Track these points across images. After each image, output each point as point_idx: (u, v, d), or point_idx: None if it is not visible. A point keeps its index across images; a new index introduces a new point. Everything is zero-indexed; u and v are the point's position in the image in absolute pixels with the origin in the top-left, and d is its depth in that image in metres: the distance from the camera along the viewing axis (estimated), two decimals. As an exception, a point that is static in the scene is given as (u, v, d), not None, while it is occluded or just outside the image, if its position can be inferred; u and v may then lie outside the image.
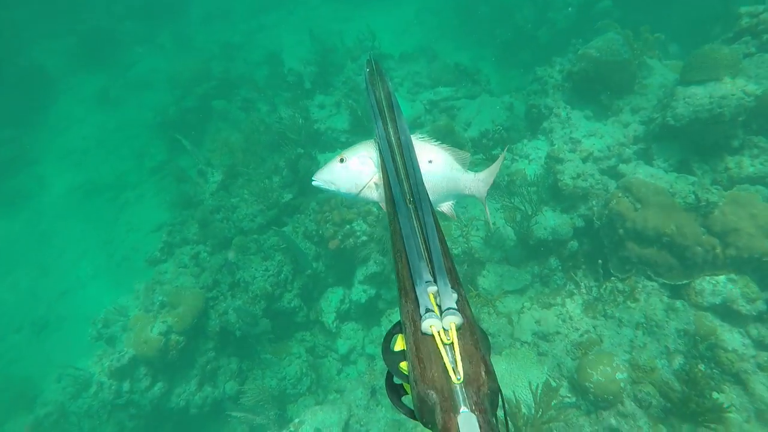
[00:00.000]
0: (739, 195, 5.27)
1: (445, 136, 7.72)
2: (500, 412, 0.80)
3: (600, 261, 5.93)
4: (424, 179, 1.35)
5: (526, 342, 5.15)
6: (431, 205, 1.19)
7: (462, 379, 0.70)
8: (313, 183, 2.18)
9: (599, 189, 6.28)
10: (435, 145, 2.19)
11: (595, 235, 6.19)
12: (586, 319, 5.19)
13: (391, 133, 1.48)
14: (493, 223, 6.85)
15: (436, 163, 2.17)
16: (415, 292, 0.91)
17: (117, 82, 15.47)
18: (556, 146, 6.76)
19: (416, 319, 0.86)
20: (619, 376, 4.23)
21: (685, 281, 5.25)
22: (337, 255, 7.62)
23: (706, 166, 6.41)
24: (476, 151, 8.02)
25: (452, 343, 0.78)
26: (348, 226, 7.40)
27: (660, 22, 9.17)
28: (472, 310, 0.94)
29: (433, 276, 0.94)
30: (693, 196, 5.21)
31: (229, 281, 7.49)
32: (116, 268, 10.74)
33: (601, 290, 5.39)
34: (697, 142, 6.41)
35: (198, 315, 7.12)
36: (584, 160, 6.65)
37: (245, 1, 17.76)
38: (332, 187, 2.14)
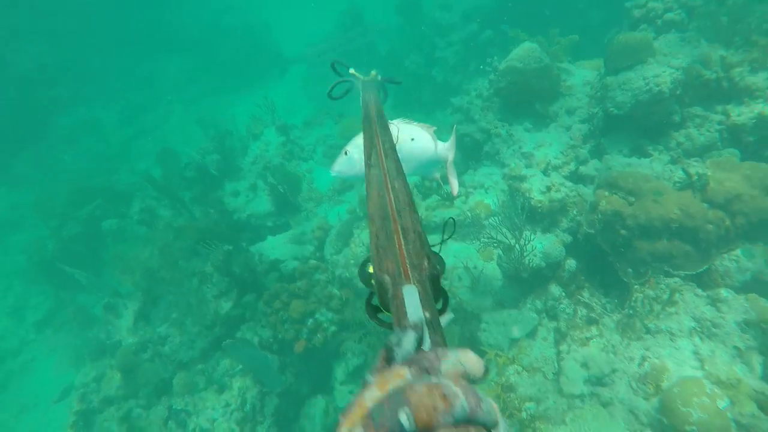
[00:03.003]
0: (720, 161, 4.98)
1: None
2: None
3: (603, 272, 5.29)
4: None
5: (582, 395, 4.17)
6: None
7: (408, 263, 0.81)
8: (333, 174, 2.86)
9: (575, 196, 5.74)
10: (414, 125, 2.84)
11: (586, 246, 5.59)
12: (633, 344, 4.38)
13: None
14: (474, 267, 6.00)
15: (417, 140, 2.82)
16: None
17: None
18: (512, 165, 6.22)
19: None
20: (721, 404, 3.38)
21: (705, 267, 4.71)
22: (306, 358, 6.25)
23: (660, 146, 6.20)
24: (424, 196, 7.27)
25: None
26: (311, 320, 6.13)
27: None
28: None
29: None
30: (682, 173, 4.78)
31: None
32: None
33: (632, 303, 4.65)
34: (642, 126, 6.21)
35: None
36: (546, 172, 6.14)
37: (114, 109, 16.34)
38: (349, 173, 2.73)
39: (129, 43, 18.76)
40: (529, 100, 6.78)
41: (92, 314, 8.63)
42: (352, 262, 6.41)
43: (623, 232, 4.89)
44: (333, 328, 6.02)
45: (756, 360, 3.88)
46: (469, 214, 6.42)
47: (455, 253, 6.22)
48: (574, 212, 5.70)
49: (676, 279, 4.75)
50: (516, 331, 5.42)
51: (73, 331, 8.85)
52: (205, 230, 6.98)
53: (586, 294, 5.49)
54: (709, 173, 4.78)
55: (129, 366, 6.82)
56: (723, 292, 4.35)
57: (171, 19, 20.25)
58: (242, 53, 16.59)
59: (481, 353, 5.08)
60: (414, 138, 2.78)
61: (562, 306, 5.47)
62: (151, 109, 16.30)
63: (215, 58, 16.75)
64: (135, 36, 19.03)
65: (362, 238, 6.54)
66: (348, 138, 9.25)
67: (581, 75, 7.35)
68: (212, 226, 7.14)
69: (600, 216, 5.05)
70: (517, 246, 5.43)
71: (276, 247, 7.50)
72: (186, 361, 6.64)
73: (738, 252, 4.72)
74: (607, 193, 5.02)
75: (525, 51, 6.52)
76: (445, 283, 5.93)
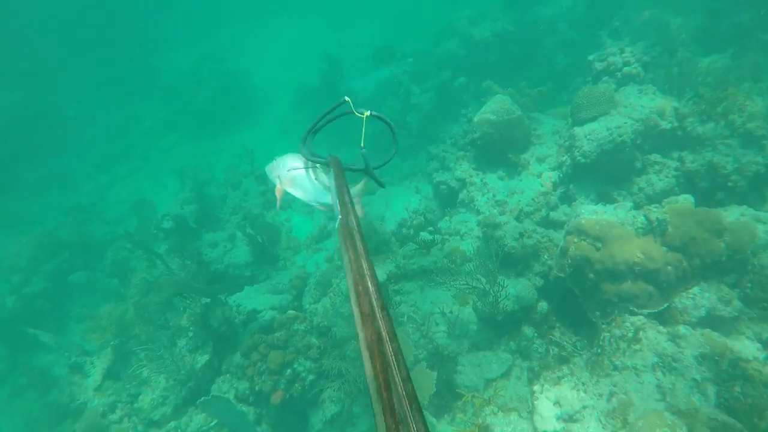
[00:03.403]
0: (677, 207, 5.68)
1: (370, 236, 7.47)
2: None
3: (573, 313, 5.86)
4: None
5: (555, 432, 4.63)
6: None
7: None
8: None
9: (546, 242, 6.38)
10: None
11: (557, 288, 6.18)
12: (602, 381, 4.90)
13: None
14: (450, 312, 6.51)
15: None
16: None
17: None
18: (487, 213, 6.88)
19: None
20: (679, 432, 3.89)
21: (666, 305, 5.33)
22: (283, 409, 6.56)
23: (624, 191, 6.99)
24: (401, 244, 7.85)
25: None
26: (289, 370, 6.49)
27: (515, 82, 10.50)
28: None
29: None
30: (643, 219, 5.47)
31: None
32: None
33: (600, 342, 5.21)
34: (607, 173, 7.00)
35: None
36: (519, 219, 6.81)
37: (86, 158, 16.81)
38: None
39: (105, 91, 19.56)
40: (502, 149, 7.55)
41: (54, 376, 8.70)
42: (330, 311, 6.86)
43: (591, 275, 5.50)
44: (311, 377, 6.38)
45: (711, 390, 4.43)
46: (446, 261, 6.98)
47: (432, 300, 6.75)
48: (546, 257, 6.32)
49: (640, 317, 5.33)
50: (489, 372, 5.90)
51: (31, 395, 8.84)
52: (182, 284, 7.36)
53: (557, 333, 6.05)
54: (668, 218, 5.47)
55: (96, 429, 6.97)
56: (682, 329, 4.94)
57: (148, 66, 21.26)
58: (220, 99, 17.44)
59: (458, 396, 5.52)
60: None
61: (535, 346, 6.01)
62: (126, 157, 16.80)
63: (193, 104, 17.54)
64: (111, 83, 19.87)
65: (341, 287, 7.02)
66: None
67: (550, 124, 8.21)
68: (190, 278, 7.52)
69: (570, 261, 5.67)
70: (491, 291, 6.00)
71: (254, 297, 7.89)
72: (158, 420, 6.85)
73: (695, 290, 5.36)
74: (576, 240, 5.67)
75: (498, 104, 7.35)
76: (422, 328, 6.44)
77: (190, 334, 7.17)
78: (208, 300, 7.16)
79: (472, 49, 12.52)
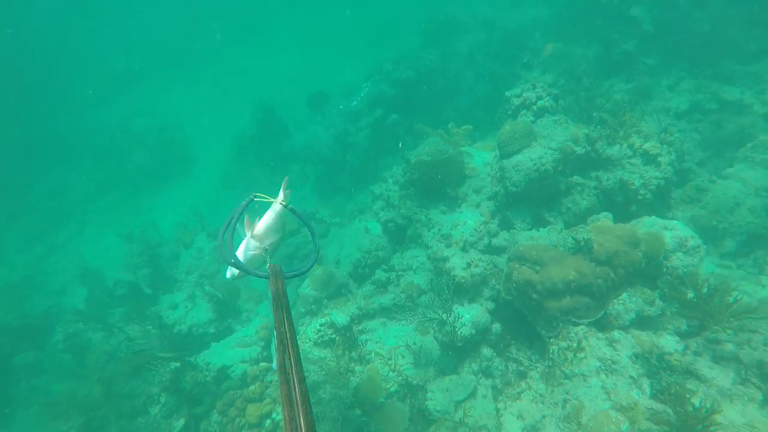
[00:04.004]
0: (599, 224, 6.53)
1: (328, 282, 7.88)
2: None
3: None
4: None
5: (522, 442, 5.21)
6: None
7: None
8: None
9: (492, 268, 7.07)
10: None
11: (507, 309, 6.87)
12: (556, 390, 5.55)
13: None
14: (414, 343, 7.02)
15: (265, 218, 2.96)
16: None
17: None
18: (435, 248, 7.49)
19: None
20: (623, 427, 4.57)
21: (602, 313, 6.10)
22: (267, 461, 6.78)
23: (554, 212, 7.83)
24: (359, 284, 8.31)
25: None
26: (268, 421, 6.75)
27: (441, 122, 11.40)
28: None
29: None
30: (572, 240, 6.26)
31: None
32: None
33: (550, 355, 5.88)
34: (537, 197, 7.84)
35: None
36: (464, 249, 7.47)
37: (18, 229, 16.03)
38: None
39: (32, 156, 18.82)
40: (440, 186, 8.25)
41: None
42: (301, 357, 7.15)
43: (535, 295, 6.20)
44: (292, 425, 6.64)
45: (646, 384, 5.19)
46: (403, 296, 7.51)
47: (395, 334, 7.25)
48: (493, 282, 7.01)
49: (582, 327, 6.08)
50: (458, 395, 6.45)
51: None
52: (147, 354, 7.41)
53: (513, 350, 6.72)
54: (593, 237, 6.29)
55: None
56: (616, 334, 5.71)
57: (77, 126, 20.65)
58: (156, 155, 17.29)
59: (431, 421, 6.01)
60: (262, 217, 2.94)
61: (495, 364, 6.64)
62: (61, 224, 16.21)
63: (128, 163, 17.27)
64: (39, 148, 19.15)
65: (308, 333, 7.36)
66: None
67: (481, 157, 9.03)
68: (154, 345, 7.59)
69: (514, 285, 6.36)
70: (448, 321, 6.58)
71: (222, 353, 8.04)
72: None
73: (624, 296, 6.18)
74: (517, 265, 6.37)
75: (431, 146, 8.06)
76: (389, 363, 6.90)
77: (162, 400, 7.22)
78: (177, 364, 7.26)
79: (401, 88, 13.38)
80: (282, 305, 1.91)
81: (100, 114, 21.80)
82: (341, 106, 14.03)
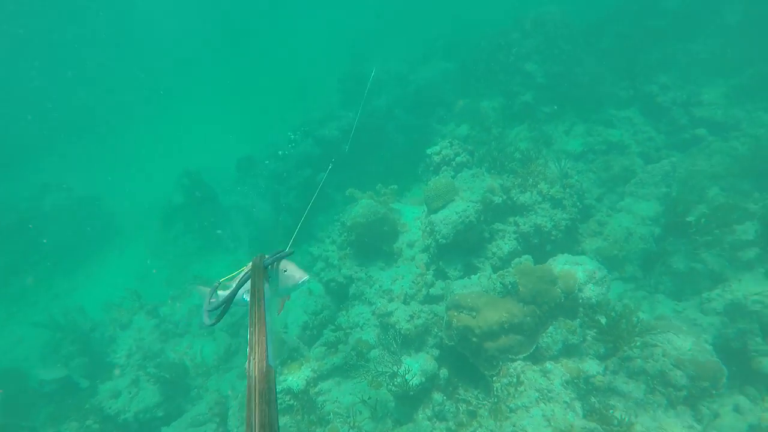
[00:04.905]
0: (522, 267, 7.41)
1: (280, 349, 8.15)
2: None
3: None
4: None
5: (480, 478, 5.76)
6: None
7: None
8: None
9: (433, 318, 7.73)
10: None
11: (451, 354, 7.51)
12: (504, 424, 6.19)
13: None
14: (369, 398, 7.44)
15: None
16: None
17: None
18: (378, 304, 8.06)
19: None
20: (562, 450, 5.28)
21: (534, 347, 6.90)
22: None
23: (482, 258, 8.69)
24: (309, 345, 8.64)
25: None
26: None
27: (367, 175, 12.22)
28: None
29: None
30: (500, 285, 7.08)
31: None
32: None
33: (495, 392, 6.55)
34: (465, 246, 8.68)
35: None
36: (406, 302, 8.10)
37: None
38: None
39: None
40: (376, 244, 8.90)
41: None
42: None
43: (474, 339, 6.89)
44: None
45: (578, 406, 5.98)
46: (353, 354, 7.95)
47: (350, 391, 7.63)
48: (436, 330, 7.65)
49: (519, 362, 6.83)
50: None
51: None
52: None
53: (461, 391, 7.32)
54: (517, 279, 7.14)
55: None
56: (548, 365, 6.51)
57: None
58: (74, 231, 16.56)
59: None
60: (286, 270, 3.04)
61: (446, 407, 7.19)
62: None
63: (41, 242, 16.35)
64: None
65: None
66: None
67: (410, 212, 9.83)
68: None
69: (455, 331, 7.03)
70: (399, 372, 7.11)
71: (174, 437, 7.98)
72: None
73: (550, 329, 7.03)
74: (456, 313, 7.06)
75: (364, 208, 8.73)
76: (348, 420, 7.25)
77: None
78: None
79: (326, 146, 14.11)
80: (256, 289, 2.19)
81: (4, 188, 20.48)
82: (270, 168, 14.48)
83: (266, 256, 2.76)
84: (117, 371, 9.08)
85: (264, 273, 2.46)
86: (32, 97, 30.96)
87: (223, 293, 2.95)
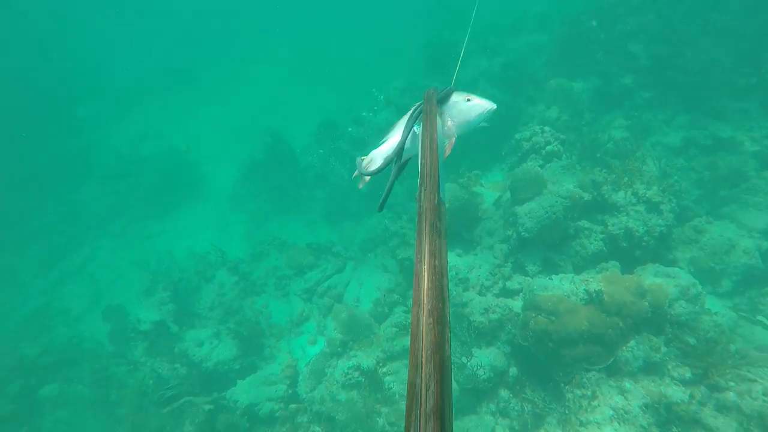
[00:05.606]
0: (608, 275, 7.06)
1: (352, 326, 8.35)
2: None
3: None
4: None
5: (545, 488, 5.74)
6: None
7: None
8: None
9: (508, 314, 7.59)
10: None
11: (523, 353, 7.38)
12: (573, 437, 6.09)
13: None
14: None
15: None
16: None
17: None
18: (453, 293, 7.98)
19: None
20: (638, 477, 5.12)
21: (612, 359, 6.64)
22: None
23: (564, 255, 8.35)
24: (379, 323, 8.78)
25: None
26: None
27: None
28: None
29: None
30: (584, 291, 6.79)
31: None
32: None
33: (566, 402, 6.41)
34: (548, 241, 8.36)
35: None
36: (481, 293, 7.98)
37: (31, 255, 16.22)
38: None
39: (41, 180, 19.04)
40: (456, 230, 8.75)
41: None
42: (328, 400, 7.63)
43: (551, 344, 6.73)
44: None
45: (657, 434, 5.74)
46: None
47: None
48: (510, 326, 7.52)
49: (593, 372, 6.62)
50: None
51: None
52: (182, 395, 7.83)
53: (528, 392, 7.24)
54: (603, 288, 6.82)
55: None
56: (627, 384, 6.25)
57: (85, 150, 20.86)
58: (165, 178, 17.57)
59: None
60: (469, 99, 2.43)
61: (511, 405, 7.15)
62: (74, 248, 16.44)
63: (138, 186, 17.54)
64: (47, 171, 19.35)
65: (335, 376, 7.82)
66: (294, 267, 10.58)
67: (490, 197, 9.53)
68: (185, 385, 8.01)
69: (531, 333, 6.88)
70: (468, 364, 7.09)
71: (248, 390, 8.47)
72: None
73: (631, 344, 6.72)
74: (534, 315, 6.89)
75: (448, 192, 8.54)
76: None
77: (198, 441, 7.65)
78: (212, 406, 7.70)
79: (407, 116, 13.82)
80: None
81: (103, 134, 21.99)
82: (351, 135, 14.46)
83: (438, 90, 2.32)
84: (200, 322, 9.74)
85: (437, 107, 2.15)
86: (137, 49, 32.93)
87: (378, 151, 2.56)
